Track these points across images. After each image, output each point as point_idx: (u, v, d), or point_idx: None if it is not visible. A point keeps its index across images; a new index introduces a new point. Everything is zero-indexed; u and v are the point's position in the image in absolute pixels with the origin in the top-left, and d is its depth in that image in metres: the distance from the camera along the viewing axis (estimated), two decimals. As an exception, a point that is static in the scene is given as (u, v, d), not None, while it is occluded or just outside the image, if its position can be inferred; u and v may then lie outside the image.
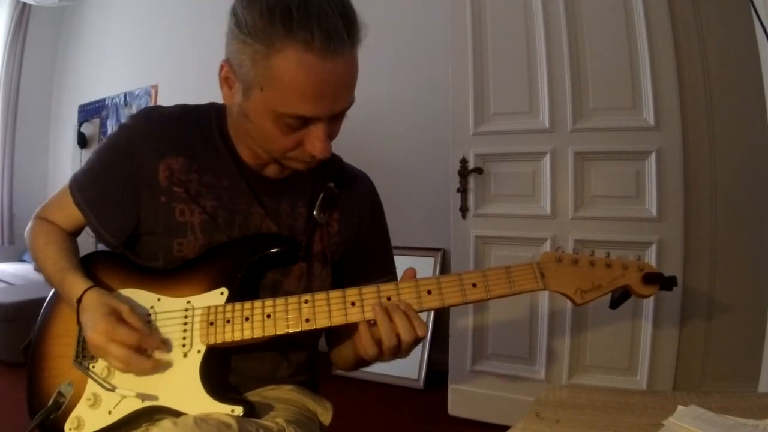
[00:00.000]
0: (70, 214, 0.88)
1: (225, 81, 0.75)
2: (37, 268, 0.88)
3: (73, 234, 0.92)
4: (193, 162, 0.84)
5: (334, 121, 0.75)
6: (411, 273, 0.78)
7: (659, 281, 0.75)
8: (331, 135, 0.76)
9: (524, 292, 0.76)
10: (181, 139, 0.84)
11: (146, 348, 0.74)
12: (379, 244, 0.97)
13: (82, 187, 0.87)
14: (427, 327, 2.67)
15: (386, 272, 0.94)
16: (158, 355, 0.76)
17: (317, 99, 0.69)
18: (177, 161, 0.83)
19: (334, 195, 0.89)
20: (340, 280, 0.90)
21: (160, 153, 0.83)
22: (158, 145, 0.83)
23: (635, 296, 0.77)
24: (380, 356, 0.75)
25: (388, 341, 0.72)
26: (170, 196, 0.83)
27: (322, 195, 0.87)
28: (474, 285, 0.75)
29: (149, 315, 0.79)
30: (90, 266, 0.86)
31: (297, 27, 0.64)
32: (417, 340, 0.74)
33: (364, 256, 0.93)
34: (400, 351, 0.75)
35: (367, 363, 0.87)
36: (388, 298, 0.75)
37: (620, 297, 0.77)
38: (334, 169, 0.92)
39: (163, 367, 0.76)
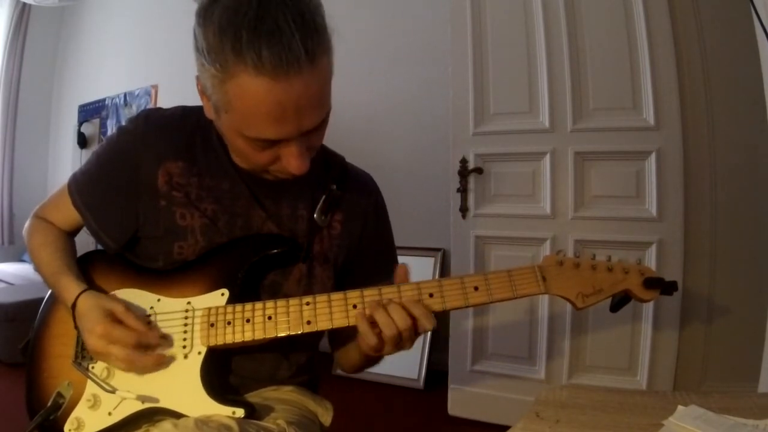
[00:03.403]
0: (68, 214, 0.88)
1: (202, 94, 0.74)
2: (35, 268, 0.88)
3: (71, 234, 0.92)
4: (193, 165, 0.83)
5: (310, 134, 0.71)
6: (403, 271, 0.77)
7: (660, 286, 0.75)
8: (311, 147, 0.74)
9: (526, 295, 0.76)
10: (180, 143, 0.84)
11: (146, 345, 0.74)
12: (383, 246, 0.96)
13: (81, 188, 0.87)
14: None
15: (389, 275, 0.93)
16: (160, 350, 0.76)
17: (279, 122, 0.66)
18: (176, 165, 0.83)
19: (336, 197, 0.88)
20: (342, 283, 0.89)
21: (158, 157, 0.83)
22: (157, 149, 0.83)
23: (636, 300, 0.77)
24: (382, 346, 0.74)
25: (388, 331, 0.71)
26: (170, 200, 0.82)
27: (323, 197, 0.87)
28: (476, 288, 0.75)
29: (149, 315, 0.79)
30: (89, 266, 0.86)
31: (246, 50, 0.61)
32: (419, 328, 0.72)
33: (367, 258, 0.92)
34: (402, 340, 0.73)
35: (372, 361, 0.86)
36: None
37: (621, 301, 0.77)
38: (336, 171, 0.91)
39: (165, 364, 0.76)
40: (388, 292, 0.75)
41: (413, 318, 0.72)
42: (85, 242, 0.98)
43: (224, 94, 0.66)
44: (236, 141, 0.72)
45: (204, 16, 0.65)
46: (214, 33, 0.63)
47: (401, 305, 0.73)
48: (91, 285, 0.81)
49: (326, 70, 0.68)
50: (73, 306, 0.77)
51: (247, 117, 0.67)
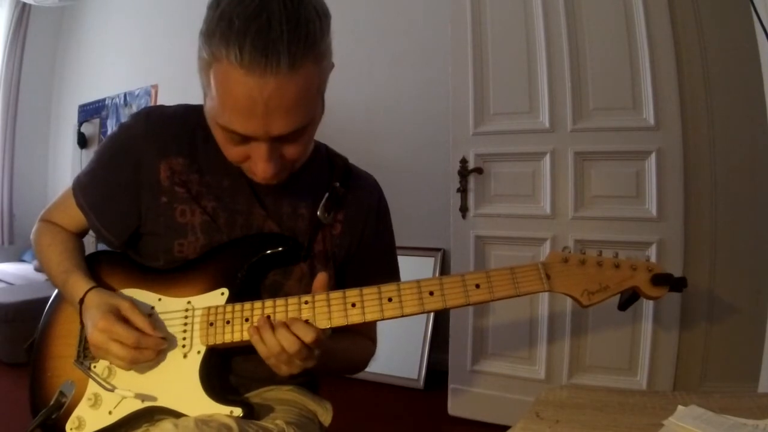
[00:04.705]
0: (74, 215, 0.88)
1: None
2: (40, 269, 0.89)
3: (79, 235, 0.92)
4: (194, 162, 0.84)
5: (284, 142, 0.70)
6: (321, 281, 0.75)
7: (669, 282, 0.73)
8: (285, 159, 0.72)
9: (529, 293, 0.74)
10: (181, 139, 0.84)
11: (146, 347, 0.74)
12: (383, 246, 0.95)
13: (84, 188, 0.87)
14: (427, 327, 2.62)
15: (390, 274, 0.93)
16: (160, 352, 0.76)
17: (246, 116, 0.66)
18: (178, 161, 0.83)
19: (339, 195, 0.88)
20: (342, 282, 0.89)
21: (161, 153, 0.83)
22: (159, 145, 0.83)
23: (644, 298, 0.74)
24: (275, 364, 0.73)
25: (274, 349, 0.71)
26: (171, 196, 0.82)
27: (327, 195, 0.86)
28: (477, 286, 0.74)
29: (150, 315, 0.79)
30: (92, 266, 0.86)
31: (233, 38, 0.62)
32: (308, 347, 0.71)
33: (368, 258, 0.92)
34: (292, 358, 0.71)
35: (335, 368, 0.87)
36: (389, 299, 0.74)
37: (629, 299, 0.75)
38: (340, 170, 0.91)
39: (164, 363, 0.76)
40: (387, 290, 0.75)
41: (298, 336, 0.70)
42: (87, 243, 0.98)
43: (207, 77, 0.67)
44: (214, 129, 0.72)
45: (215, 1, 0.66)
46: (214, 18, 0.65)
47: (285, 326, 0.71)
48: (98, 284, 0.81)
49: (310, 80, 0.66)
50: (81, 302, 0.77)
51: (221, 104, 0.67)
